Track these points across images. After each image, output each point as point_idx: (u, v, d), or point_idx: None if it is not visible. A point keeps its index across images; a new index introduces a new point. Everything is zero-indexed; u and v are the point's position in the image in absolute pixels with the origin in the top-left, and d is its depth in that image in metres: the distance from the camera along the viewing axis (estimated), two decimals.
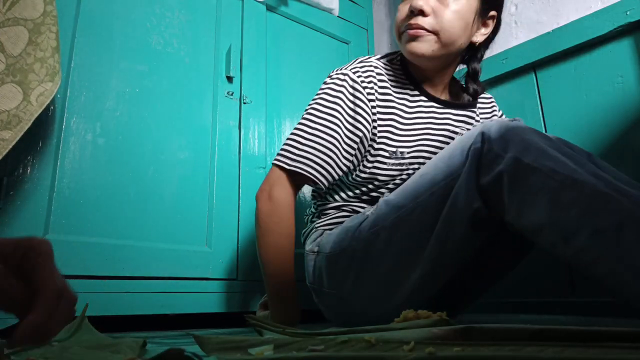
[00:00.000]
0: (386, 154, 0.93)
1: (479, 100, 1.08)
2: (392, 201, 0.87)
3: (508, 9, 1.52)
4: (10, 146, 0.83)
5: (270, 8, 1.51)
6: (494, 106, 1.12)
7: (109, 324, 1.07)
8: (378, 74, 0.96)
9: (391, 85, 0.97)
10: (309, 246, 1.03)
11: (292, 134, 0.93)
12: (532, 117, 1.32)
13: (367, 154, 0.95)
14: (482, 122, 1.05)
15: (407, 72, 1.00)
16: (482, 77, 1.45)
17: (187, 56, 1.28)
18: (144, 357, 0.44)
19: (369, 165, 0.95)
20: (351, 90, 0.93)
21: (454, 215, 0.78)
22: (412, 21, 0.89)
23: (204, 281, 1.15)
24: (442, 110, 1.00)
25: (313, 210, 1.11)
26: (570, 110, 1.25)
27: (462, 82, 1.06)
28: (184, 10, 1.31)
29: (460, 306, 1.02)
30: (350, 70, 0.94)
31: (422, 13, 0.88)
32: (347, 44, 1.73)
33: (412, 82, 0.99)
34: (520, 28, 1.43)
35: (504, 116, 1.12)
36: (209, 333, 0.78)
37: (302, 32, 1.60)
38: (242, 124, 1.34)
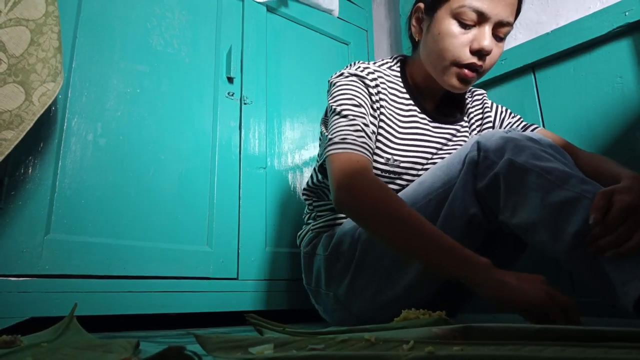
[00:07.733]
0: (382, 160, 0.94)
1: (471, 98, 1.10)
2: None
3: None
4: (13, 146, 0.84)
5: (270, 9, 1.51)
6: (484, 101, 1.10)
7: (109, 323, 1.07)
8: (379, 76, 0.97)
9: (389, 93, 0.98)
10: (305, 248, 1.05)
11: (334, 127, 0.89)
12: (531, 117, 1.32)
13: None
14: (473, 123, 1.07)
15: (405, 81, 1.01)
16: (482, 78, 1.46)
17: (188, 57, 1.28)
18: (141, 357, 0.44)
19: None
20: (363, 87, 0.93)
21: (450, 220, 0.80)
22: (480, 63, 0.87)
23: (205, 281, 1.16)
24: (433, 124, 1.00)
25: (307, 211, 1.12)
26: (569, 111, 1.25)
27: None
28: (184, 11, 1.31)
29: (460, 306, 1.02)
30: (356, 70, 0.95)
31: (488, 54, 0.87)
32: (347, 44, 1.74)
33: (409, 91, 1.00)
34: (519, 28, 1.43)
35: (496, 106, 1.10)
36: (210, 332, 0.78)
37: (302, 33, 1.61)
38: (242, 124, 1.34)
